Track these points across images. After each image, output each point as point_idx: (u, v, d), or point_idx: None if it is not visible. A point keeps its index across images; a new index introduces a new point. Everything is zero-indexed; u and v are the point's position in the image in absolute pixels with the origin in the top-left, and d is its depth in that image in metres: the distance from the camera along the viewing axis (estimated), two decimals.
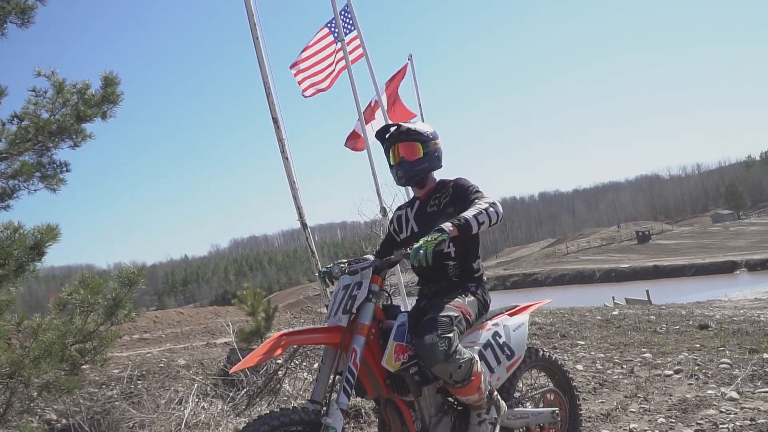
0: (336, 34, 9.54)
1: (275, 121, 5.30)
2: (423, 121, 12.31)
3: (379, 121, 10.30)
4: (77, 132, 4.82)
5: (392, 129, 3.38)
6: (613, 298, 24.71)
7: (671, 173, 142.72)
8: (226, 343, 10.37)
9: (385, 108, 9.79)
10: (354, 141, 11.03)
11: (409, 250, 2.83)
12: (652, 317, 9.53)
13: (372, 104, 10.94)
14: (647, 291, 23.65)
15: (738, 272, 49.56)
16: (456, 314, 2.97)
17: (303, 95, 10.24)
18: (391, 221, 3.61)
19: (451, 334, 2.84)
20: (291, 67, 10.11)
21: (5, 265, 3.98)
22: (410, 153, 3.30)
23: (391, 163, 3.37)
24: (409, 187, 3.67)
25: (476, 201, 3.06)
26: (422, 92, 12.46)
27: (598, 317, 9.98)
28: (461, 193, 3.22)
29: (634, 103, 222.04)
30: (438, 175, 3.50)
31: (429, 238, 2.77)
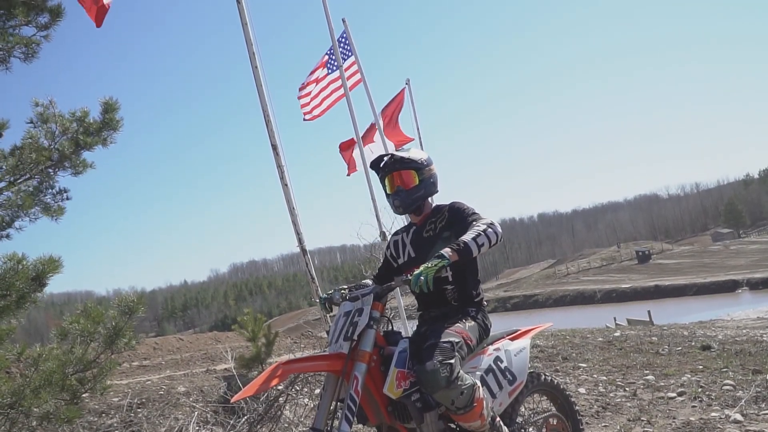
0: (333, 62, 9.70)
1: (274, 148, 5.34)
2: (421, 144, 12.43)
3: (377, 144, 10.40)
4: (78, 160, 4.85)
5: (386, 158, 3.40)
6: (615, 318, 24.64)
7: (670, 192, 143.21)
8: (226, 369, 10.31)
9: (383, 132, 9.89)
10: (351, 165, 11.14)
11: (409, 277, 2.84)
12: (654, 338, 9.49)
13: (370, 127, 11.06)
14: (649, 311, 23.55)
15: (740, 291, 49.44)
16: (457, 340, 2.97)
17: (303, 119, 10.44)
18: (388, 246, 3.63)
19: (452, 360, 2.84)
20: (300, 90, 10.35)
21: (7, 296, 3.98)
22: (406, 181, 3.32)
23: (388, 192, 3.39)
24: (405, 217, 3.69)
25: (474, 223, 3.07)
26: (420, 115, 12.58)
27: (600, 339, 9.94)
28: (458, 217, 3.24)
29: (632, 123, 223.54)
30: (436, 198, 3.53)
31: (429, 265, 2.79)
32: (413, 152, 3.41)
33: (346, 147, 11.40)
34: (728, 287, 51.08)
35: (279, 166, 5.35)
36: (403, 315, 8.49)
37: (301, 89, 10.42)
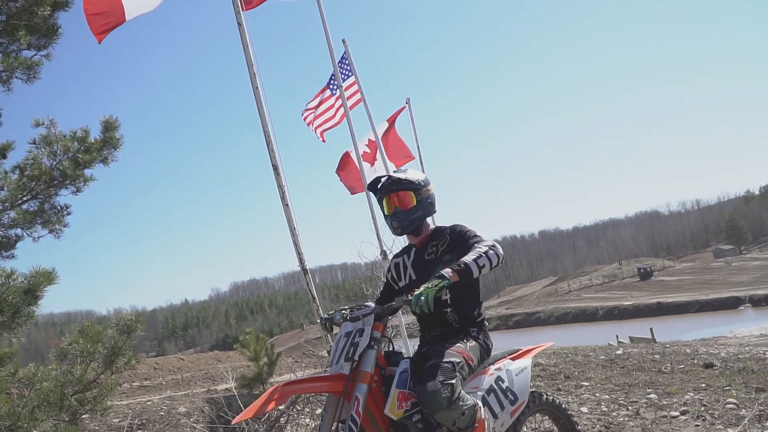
0: (334, 83, 9.83)
1: (275, 168, 5.37)
2: (421, 162, 12.49)
3: (379, 164, 10.46)
4: (78, 178, 4.88)
5: (383, 180, 3.42)
6: (617, 336, 24.50)
7: (671, 209, 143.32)
8: (227, 389, 10.25)
9: (383, 150, 9.95)
10: (352, 186, 11.21)
11: (410, 297, 2.84)
12: (656, 356, 9.44)
13: (369, 146, 11.14)
14: (651, 329, 23.46)
15: (742, 308, 49.22)
16: (458, 360, 2.97)
17: (322, 141, 10.60)
18: (389, 269, 3.63)
19: (453, 381, 2.83)
20: (306, 113, 10.50)
21: (2, 311, 3.97)
22: (404, 202, 3.32)
23: (386, 213, 3.39)
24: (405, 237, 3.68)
25: (475, 245, 3.07)
26: (420, 133, 12.64)
27: (602, 357, 9.89)
28: (459, 240, 3.24)
29: (632, 140, 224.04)
30: (436, 218, 3.53)
31: (430, 285, 2.79)
32: (410, 173, 3.42)
33: (341, 169, 11.45)
34: (731, 304, 50.86)
35: (280, 186, 5.36)
36: (404, 333, 8.47)
37: (306, 115, 10.56)
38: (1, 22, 3.69)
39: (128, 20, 4.97)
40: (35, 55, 4.34)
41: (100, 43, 5.03)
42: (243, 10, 6.46)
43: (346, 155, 11.15)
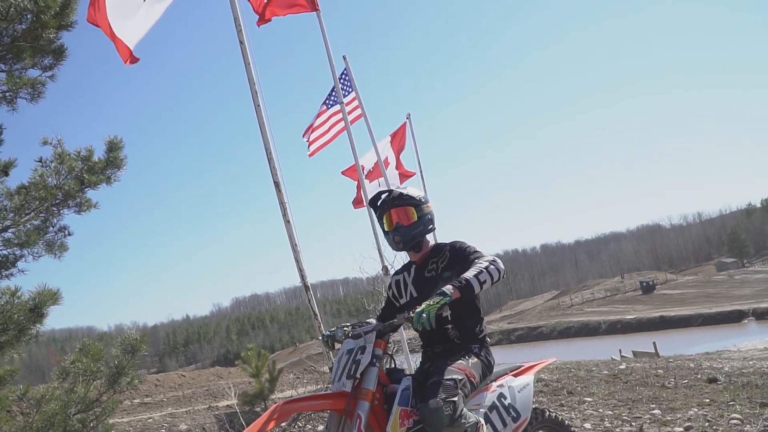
0: (334, 98, 9.91)
1: (277, 185, 5.39)
2: (422, 177, 12.55)
3: (382, 179, 10.50)
4: (82, 199, 4.91)
5: (383, 196, 3.44)
6: (620, 351, 24.40)
7: (672, 222, 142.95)
8: (228, 406, 10.22)
9: (384, 167, 10.00)
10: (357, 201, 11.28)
11: (411, 314, 2.85)
12: (659, 371, 9.40)
13: (373, 165, 11.21)
14: (654, 343, 23.36)
15: (746, 321, 49.06)
16: (460, 377, 2.96)
17: (308, 155, 10.67)
18: (390, 286, 3.63)
19: (455, 398, 2.83)
20: (308, 130, 10.61)
21: (7, 330, 3.98)
22: (405, 218, 3.34)
23: (386, 229, 3.40)
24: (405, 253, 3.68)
25: (476, 261, 3.08)
26: (420, 148, 12.71)
27: (605, 372, 9.85)
28: (459, 256, 3.25)
29: (632, 152, 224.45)
30: (437, 234, 3.55)
31: (431, 302, 2.80)
32: (410, 189, 3.45)
33: (350, 173, 11.52)
34: (734, 317, 50.70)
35: (281, 203, 5.38)
36: (406, 349, 8.45)
37: (307, 130, 10.64)
38: (6, 43, 3.74)
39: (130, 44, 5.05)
40: (41, 75, 4.40)
41: (127, 64, 5.17)
42: (258, 25, 6.68)
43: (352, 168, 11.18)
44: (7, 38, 3.73)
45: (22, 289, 3.98)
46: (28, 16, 3.68)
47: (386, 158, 11.57)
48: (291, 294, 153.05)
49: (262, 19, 6.97)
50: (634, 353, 21.63)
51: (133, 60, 5.30)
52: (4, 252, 4.59)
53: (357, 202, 11.50)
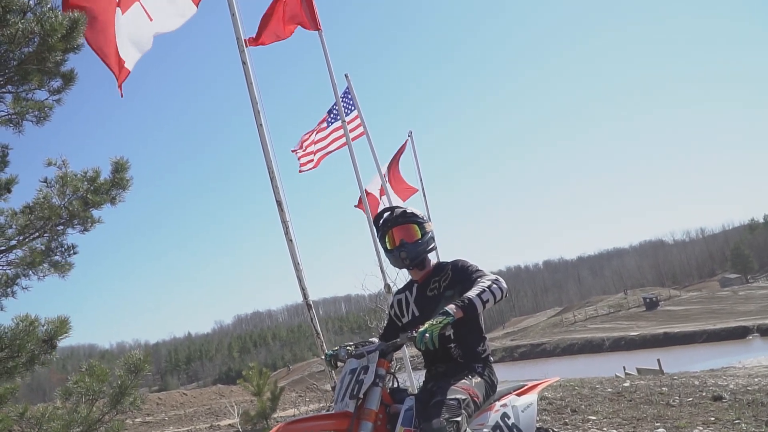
0: (335, 115, 9.99)
1: (279, 204, 5.41)
2: (424, 194, 12.58)
3: (386, 197, 10.53)
4: (87, 218, 4.94)
5: (386, 214, 3.45)
6: (624, 368, 24.28)
7: (675, 238, 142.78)
8: (230, 425, 10.16)
9: (387, 184, 10.04)
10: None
11: (414, 334, 2.85)
12: (664, 389, 9.34)
13: (377, 181, 11.26)
14: (658, 360, 23.22)
15: (750, 337, 48.77)
16: (464, 397, 2.96)
17: (299, 170, 10.76)
18: (392, 305, 3.64)
19: (459, 418, 2.82)
20: (300, 145, 10.67)
21: (17, 357, 3.99)
22: (409, 235, 3.36)
23: (389, 247, 3.41)
24: (406, 270, 3.64)
25: (478, 280, 3.09)
26: (422, 165, 12.76)
27: (609, 389, 9.78)
28: (462, 275, 3.25)
29: (635, 169, 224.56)
30: (439, 252, 3.56)
31: (434, 321, 2.80)
32: (412, 208, 3.49)
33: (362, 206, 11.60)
34: (738, 333, 50.40)
35: (284, 222, 5.40)
36: (408, 368, 8.42)
37: (300, 145, 10.70)
38: (13, 66, 3.80)
39: (130, 64, 5.07)
40: (48, 98, 4.45)
41: (121, 95, 5.16)
42: (246, 46, 6.50)
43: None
44: (14, 61, 3.79)
45: (39, 319, 3.99)
46: (35, 39, 3.73)
47: (387, 175, 11.62)
48: (293, 311, 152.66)
49: (256, 42, 7.00)
50: (638, 370, 21.49)
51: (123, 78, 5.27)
52: (10, 272, 4.61)
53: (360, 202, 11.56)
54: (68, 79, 4.44)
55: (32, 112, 4.36)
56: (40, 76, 4.05)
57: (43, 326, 3.97)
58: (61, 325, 3.99)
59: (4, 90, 4.16)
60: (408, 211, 3.42)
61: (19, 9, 3.69)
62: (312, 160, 10.67)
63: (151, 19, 5.28)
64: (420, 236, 3.36)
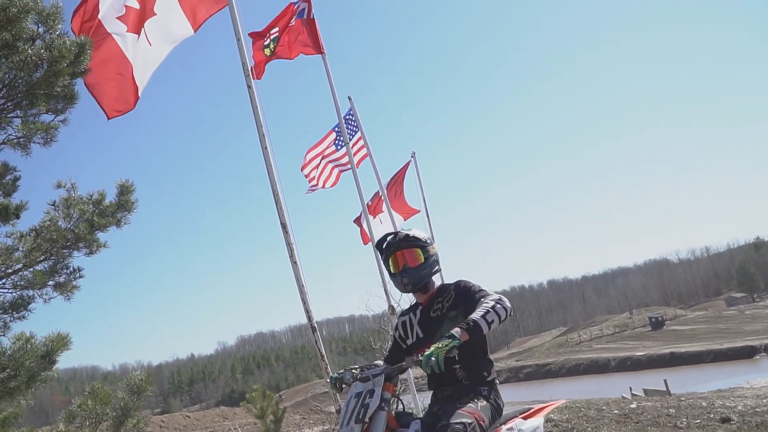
0: (340, 139, 10.07)
1: (283, 226, 5.43)
2: (428, 215, 12.59)
3: (385, 215, 10.57)
4: (92, 241, 4.97)
5: (389, 238, 3.46)
6: (631, 388, 24.05)
7: (680, 257, 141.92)
8: None
9: (390, 205, 10.07)
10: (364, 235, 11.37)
11: (420, 357, 2.84)
12: (671, 410, 9.24)
13: (376, 198, 11.32)
14: (665, 380, 23.02)
15: (758, 357, 48.34)
16: (470, 421, 2.94)
17: (307, 191, 10.81)
18: (396, 328, 3.63)
19: None
20: (305, 160, 10.74)
21: (18, 376, 3.99)
22: (412, 259, 3.35)
23: (392, 271, 3.41)
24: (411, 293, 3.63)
25: (482, 300, 3.08)
26: (425, 186, 12.79)
27: (616, 411, 9.69)
28: (465, 296, 3.25)
29: (638, 188, 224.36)
30: (443, 273, 3.55)
31: (440, 345, 2.80)
32: (415, 231, 3.47)
33: (359, 220, 11.69)
34: (746, 353, 49.96)
35: (288, 244, 5.41)
36: (413, 390, 8.36)
37: (306, 163, 10.74)
38: (21, 91, 3.86)
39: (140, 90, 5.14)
40: (53, 119, 4.50)
41: (108, 119, 5.16)
42: (253, 78, 6.72)
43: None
44: (22, 86, 3.85)
45: (36, 336, 4.00)
46: (44, 65, 3.79)
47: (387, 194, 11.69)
48: (296, 332, 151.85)
49: (257, 75, 7.16)
50: (645, 391, 21.28)
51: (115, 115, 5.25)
52: (16, 294, 4.63)
53: (363, 235, 11.62)
54: (69, 98, 4.48)
55: (39, 134, 4.41)
56: (47, 100, 4.10)
57: (41, 344, 3.97)
58: (60, 341, 3.99)
59: (12, 114, 4.21)
60: (411, 234, 3.42)
61: (28, 36, 3.76)
62: (330, 176, 10.75)
63: (150, 44, 5.36)
64: (423, 260, 3.36)
